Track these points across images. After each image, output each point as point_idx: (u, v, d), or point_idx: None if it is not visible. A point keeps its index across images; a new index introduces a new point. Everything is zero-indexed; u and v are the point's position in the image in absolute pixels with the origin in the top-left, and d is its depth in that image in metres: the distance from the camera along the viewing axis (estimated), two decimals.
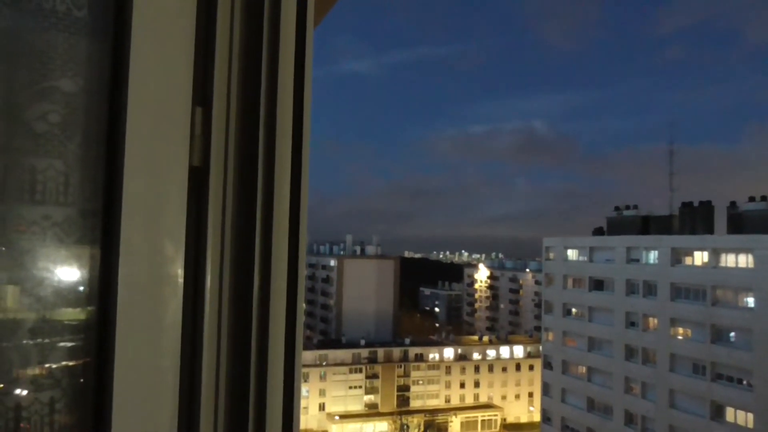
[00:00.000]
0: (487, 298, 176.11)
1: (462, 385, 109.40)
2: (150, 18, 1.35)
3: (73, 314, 1.31)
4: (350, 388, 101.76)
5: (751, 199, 60.80)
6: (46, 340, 1.26)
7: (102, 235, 1.32)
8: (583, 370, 72.66)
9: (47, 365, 1.27)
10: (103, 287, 1.31)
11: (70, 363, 1.30)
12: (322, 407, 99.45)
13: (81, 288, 1.31)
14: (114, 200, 1.31)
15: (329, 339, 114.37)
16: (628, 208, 73.49)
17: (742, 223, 60.25)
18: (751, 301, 55.64)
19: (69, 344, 1.30)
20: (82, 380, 1.31)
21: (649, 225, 70.07)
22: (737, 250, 57.35)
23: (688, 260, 62.12)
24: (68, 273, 1.30)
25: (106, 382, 1.29)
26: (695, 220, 64.88)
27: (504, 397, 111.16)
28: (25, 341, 1.23)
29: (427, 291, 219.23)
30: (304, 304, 1.52)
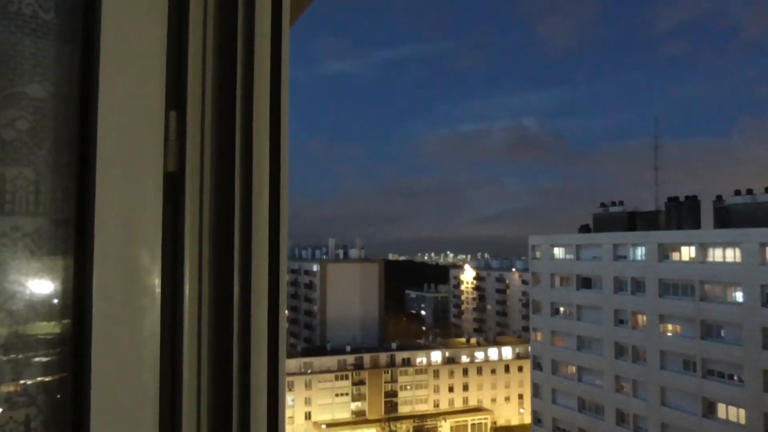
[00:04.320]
0: (473, 299, 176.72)
1: (451, 389, 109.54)
2: (120, 19, 1.32)
3: (47, 328, 1.27)
4: (337, 395, 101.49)
5: (737, 192, 61.10)
6: (20, 356, 1.23)
7: (75, 245, 1.29)
8: (572, 369, 72.86)
9: (21, 382, 1.23)
10: (77, 299, 1.28)
11: (46, 379, 1.27)
12: (308, 416, 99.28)
13: (55, 301, 1.28)
14: (87, 209, 1.28)
15: (314, 346, 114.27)
16: (614, 204, 73.75)
17: (728, 218, 60.65)
18: (739, 296, 56.05)
19: (44, 359, 1.26)
20: (58, 396, 1.28)
21: (635, 221, 70.35)
22: (724, 245, 57.76)
23: (675, 256, 62.43)
24: (41, 285, 1.27)
25: (84, 398, 1.26)
26: (681, 215, 65.23)
27: (494, 400, 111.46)
28: None
29: (412, 294, 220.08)
30: (286, 311, 1.49)
